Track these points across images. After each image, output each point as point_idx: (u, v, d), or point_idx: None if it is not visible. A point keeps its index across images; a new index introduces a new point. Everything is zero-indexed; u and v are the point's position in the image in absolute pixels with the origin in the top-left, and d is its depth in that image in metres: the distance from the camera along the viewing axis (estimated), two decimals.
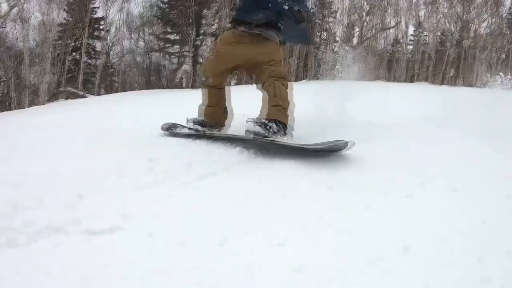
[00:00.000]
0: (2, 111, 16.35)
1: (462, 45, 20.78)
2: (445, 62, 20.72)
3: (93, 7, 21.86)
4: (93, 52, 22.34)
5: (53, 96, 17.40)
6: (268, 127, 2.15)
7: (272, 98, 2.28)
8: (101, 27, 22.57)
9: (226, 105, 2.66)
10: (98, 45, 22.61)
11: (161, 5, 22.27)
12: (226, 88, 2.67)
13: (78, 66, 20.48)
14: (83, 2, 20.69)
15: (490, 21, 20.78)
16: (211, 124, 2.59)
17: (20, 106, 20.02)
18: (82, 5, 20.42)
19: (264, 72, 2.36)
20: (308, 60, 21.55)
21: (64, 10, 21.43)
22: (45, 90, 17.31)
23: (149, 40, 23.12)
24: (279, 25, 2.51)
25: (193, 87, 18.31)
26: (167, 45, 22.46)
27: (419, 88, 9.49)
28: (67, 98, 17.11)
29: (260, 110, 2.35)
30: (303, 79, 19.79)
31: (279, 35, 2.53)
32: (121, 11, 22.90)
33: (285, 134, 2.24)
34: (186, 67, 24.49)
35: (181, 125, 2.68)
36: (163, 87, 23.78)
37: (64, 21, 21.21)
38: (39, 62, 19.04)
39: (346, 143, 1.94)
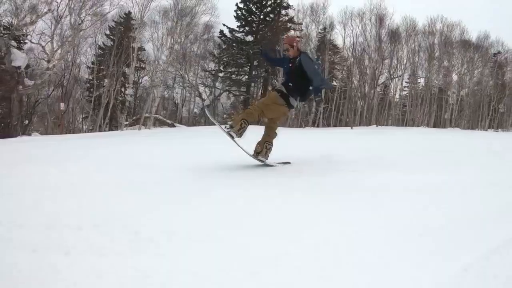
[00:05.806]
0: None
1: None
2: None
3: (132, 36, 21.19)
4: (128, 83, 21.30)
5: (135, 121, 16.21)
6: (262, 154, 4.36)
7: (262, 146, 4.40)
8: (139, 56, 21.84)
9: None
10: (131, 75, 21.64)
11: (221, 43, 22.99)
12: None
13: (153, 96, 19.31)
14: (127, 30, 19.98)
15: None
16: (236, 130, 4.13)
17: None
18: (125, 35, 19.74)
19: (269, 130, 4.44)
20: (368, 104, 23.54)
21: (106, 34, 20.44)
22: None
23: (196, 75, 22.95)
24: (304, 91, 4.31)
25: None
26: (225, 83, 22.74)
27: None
28: (146, 125, 15.99)
29: (258, 144, 4.43)
30: (371, 124, 21.63)
31: (294, 102, 4.29)
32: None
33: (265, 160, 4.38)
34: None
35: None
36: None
37: (104, 46, 20.16)
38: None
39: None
